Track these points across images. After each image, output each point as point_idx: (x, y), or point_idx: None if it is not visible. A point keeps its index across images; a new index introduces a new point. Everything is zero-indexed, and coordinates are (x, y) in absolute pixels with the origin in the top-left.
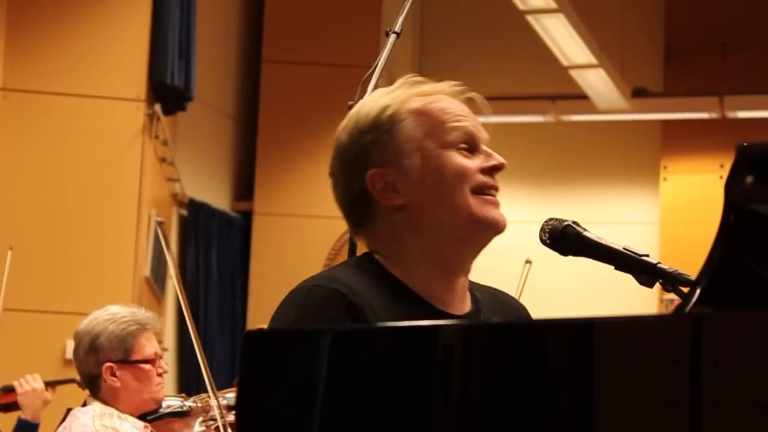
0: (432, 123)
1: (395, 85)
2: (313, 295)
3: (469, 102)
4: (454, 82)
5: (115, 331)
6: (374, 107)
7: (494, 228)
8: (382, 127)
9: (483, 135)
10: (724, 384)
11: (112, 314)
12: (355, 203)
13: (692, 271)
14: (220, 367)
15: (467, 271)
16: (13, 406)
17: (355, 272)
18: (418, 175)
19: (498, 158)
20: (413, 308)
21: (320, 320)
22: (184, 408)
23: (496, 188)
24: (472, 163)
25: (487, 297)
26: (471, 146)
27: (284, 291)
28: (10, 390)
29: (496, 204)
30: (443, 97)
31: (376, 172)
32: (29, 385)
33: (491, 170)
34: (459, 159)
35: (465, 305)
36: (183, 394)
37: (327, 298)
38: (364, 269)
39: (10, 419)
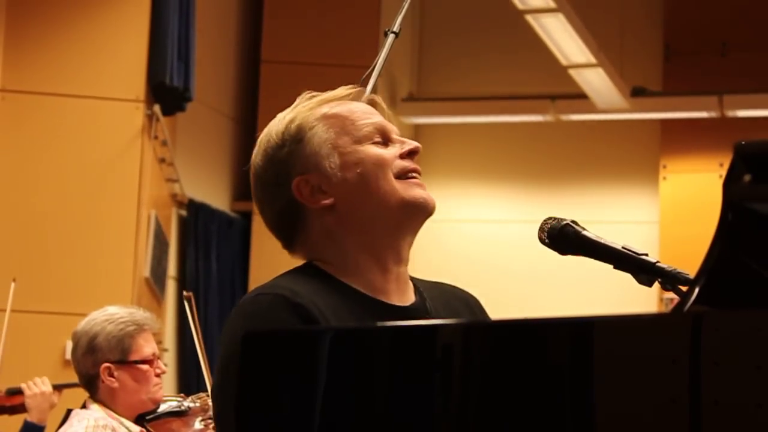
0: (342, 123)
1: (294, 104)
2: (258, 302)
3: (371, 103)
4: (350, 86)
5: (113, 331)
6: (280, 124)
7: (424, 208)
8: (294, 138)
9: (393, 128)
10: (724, 383)
11: (110, 315)
12: (284, 219)
13: (692, 270)
14: None
15: (405, 260)
16: (19, 409)
17: (297, 277)
18: (340, 173)
19: (412, 142)
20: (357, 304)
21: (268, 326)
22: (183, 407)
23: (418, 171)
24: (389, 151)
25: (430, 289)
26: (384, 138)
27: None
28: (16, 392)
29: (421, 185)
30: (345, 101)
31: (300, 180)
32: (38, 387)
33: (409, 154)
34: (376, 150)
35: (408, 297)
36: (182, 394)
37: (272, 303)
38: (306, 274)
39: (14, 421)
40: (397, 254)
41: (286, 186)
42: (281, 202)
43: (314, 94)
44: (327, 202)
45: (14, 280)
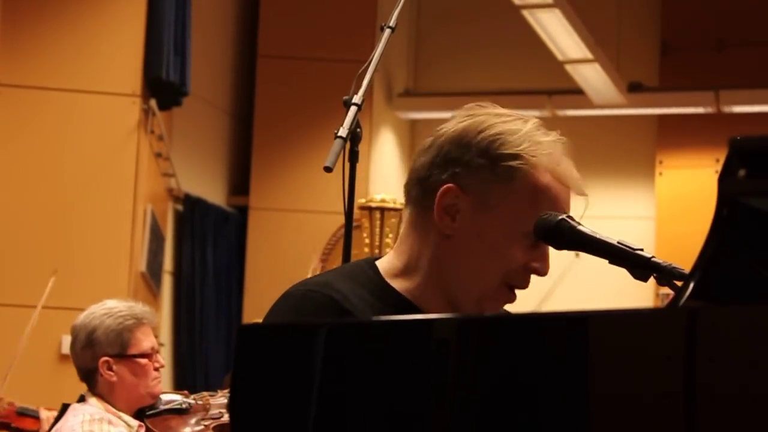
0: (530, 205)
1: (548, 136)
2: (308, 300)
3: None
4: (581, 180)
5: (111, 325)
6: (512, 145)
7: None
8: (498, 166)
9: None
10: (719, 378)
11: (109, 309)
12: (420, 186)
13: (688, 266)
14: (215, 362)
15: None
16: None
17: (351, 280)
18: (479, 228)
19: (545, 267)
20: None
21: None
22: (184, 405)
23: (524, 288)
24: (525, 256)
25: None
26: (534, 240)
27: (280, 285)
28: (29, 415)
29: (512, 300)
30: (562, 190)
31: (453, 189)
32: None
33: (533, 271)
34: (516, 250)
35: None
36: (185, 392)
37: (322, 304)
38: (361, 278)
39: None
40: (463, 308)
41: (444, 176)
42: (430, 176)
43: (564, 145)
44: (446, 230)
45: (56, 272)
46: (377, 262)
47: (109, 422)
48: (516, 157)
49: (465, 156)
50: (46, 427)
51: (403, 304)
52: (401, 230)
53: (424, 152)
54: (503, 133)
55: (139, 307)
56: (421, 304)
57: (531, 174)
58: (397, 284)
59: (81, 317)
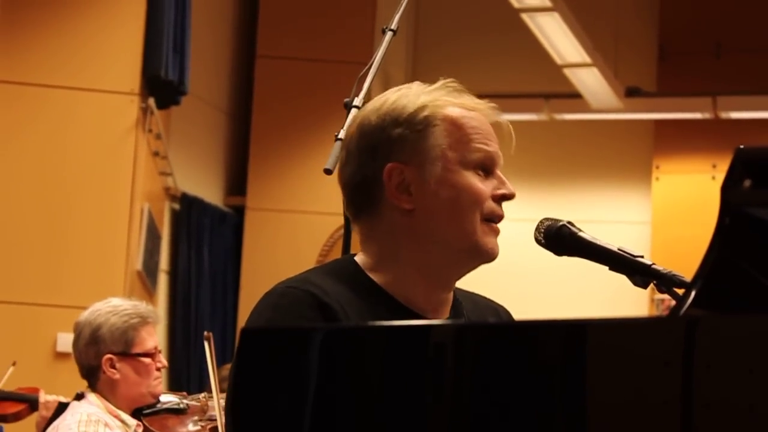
0: (461, 137)
1: (434, 86)
2: (286, 296)
3: (496, 127)
4: (492, 104)
5: (117, 323)
6: (412, 102)
7: (489, 257)
8: (415, 126)
9: (500, 160)
10: (716, 386)
11: (114, 306)
12: (362, 189)
13: (684, 271)
14: None
15: (452, 287)
16: (9, 418)
17: (331, 276)
18: (434, 186)
19: (509, 188)
20: (389, 313)
21: (293, 321)
22: (182, 405)
23: (502, 217)
24: (486, 187)
25: (466, 301)
26: (487, 170)
27: None
28: (28, 400)
29: (497, 233)
30: (477, 115)
31: (396, 167)
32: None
33: (501, 198)
34: (476, 182)
35: (443, 313)
36: (183, 392)
37: (300, 299)
38: (342, 274)
39: None
40: (446, 282)
41: (380, 162)
42: (366, 171)
43: (458, 87)
44: (407, 205)
45: (14, 364)
46: (356, 258)
47: (106, 424)
48: (422, 107)
49: (381, 136)
50: (45, 413)
51: (381, 296)
52: (360, 243)
53: (345, 165)
54: (398, 99)
55: (144, 306)
56: (400, 296)
57: (443, 114)
58: (377, 278)
59: (85, 314)
